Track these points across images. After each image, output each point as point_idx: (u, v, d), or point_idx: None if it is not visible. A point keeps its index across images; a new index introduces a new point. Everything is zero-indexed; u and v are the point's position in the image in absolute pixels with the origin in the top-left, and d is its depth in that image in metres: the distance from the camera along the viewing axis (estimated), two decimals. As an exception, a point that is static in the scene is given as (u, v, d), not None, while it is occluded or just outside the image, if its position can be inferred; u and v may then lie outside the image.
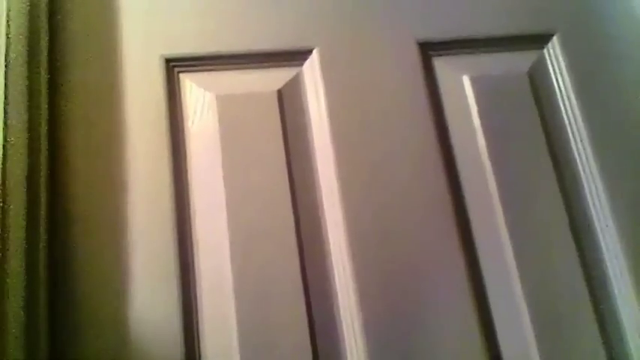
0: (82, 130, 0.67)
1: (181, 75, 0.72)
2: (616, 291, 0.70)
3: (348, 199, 0.68)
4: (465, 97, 0.76)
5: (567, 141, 0.77)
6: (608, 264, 0.72)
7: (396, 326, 0.64)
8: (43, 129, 0.62)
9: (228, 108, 0.71)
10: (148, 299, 0.61)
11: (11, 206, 0.53)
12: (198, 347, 0.61)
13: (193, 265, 0.64)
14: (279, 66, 0.74)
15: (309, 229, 0.68)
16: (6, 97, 0.52)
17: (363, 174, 0.70)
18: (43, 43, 0.66)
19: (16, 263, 0.52)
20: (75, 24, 0.71)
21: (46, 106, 0.64)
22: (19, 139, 0.57)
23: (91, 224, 0.63)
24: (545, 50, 0.81)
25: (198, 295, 0.63)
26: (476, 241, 0.70)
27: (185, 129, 0.70)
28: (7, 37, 0.55)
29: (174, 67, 0.72)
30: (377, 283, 0.66)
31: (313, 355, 0.62)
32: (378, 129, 0.72)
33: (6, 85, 0.54)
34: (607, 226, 0.73)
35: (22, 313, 0.51)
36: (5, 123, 0.53)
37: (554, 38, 0.80)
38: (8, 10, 0.56)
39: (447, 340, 0.65)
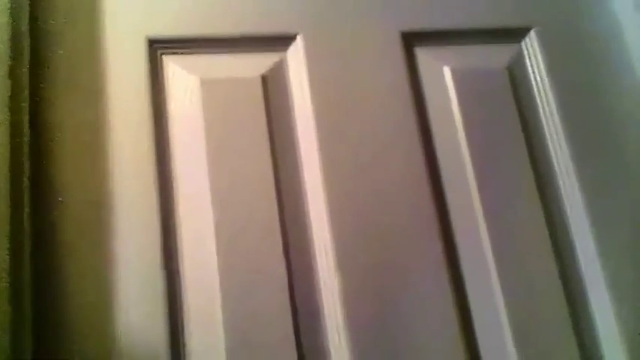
0: (64, 116, 0.65)
1: (164, 57, 0.71)
2: (591, 292, 0.72)
3: (331, 185, 0.69)
4: (445, 87, 0.78)
5: (543, 135, 0.79)
6: (583, 265, 0.74)
7: (379, 322, 0.66)
8: (25, 120, 0.60)
9: (212, 92, 0.70)
10: (133, 293, 0.61)
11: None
12: (184, 343, 0.61)
13: (177, 259, 0.64)
14: (263, 51, 0.74)
15: (293, 219, 0.68)
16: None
17: (345, 159, 0.71)
18: (24, 28, 0.63)
19: (0, 271, 0.52)
20: (57, 3, 0.69)
21: (28, 95, 0.62)
22: (1, 130, 0.55)
23: (74, 215, 0.62)
24: (522, 44, 0.83)
25: (183, 289, 0.63)
26: (455, 232, 0.72)
27: (168, 112, 0.69)
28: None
29: (158, 48, 0.71)
30: (360, 276, 0.67)
31: (298, 350, 0.63)
32: (361, 116, 0.73)
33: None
34: (582, 223, 0.74)
35: (7, 316, 0.51)
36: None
37: (532, 33, 0.82)
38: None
39: (428, 338, 0.66)
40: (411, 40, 0.79)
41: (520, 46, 0.83)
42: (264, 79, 0.72)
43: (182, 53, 0.71)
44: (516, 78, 0.81)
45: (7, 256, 0.53)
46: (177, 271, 0.64)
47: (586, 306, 0.72)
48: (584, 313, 0.72)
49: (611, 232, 0.75)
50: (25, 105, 0.61)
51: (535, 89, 0.81)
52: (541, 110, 0.80)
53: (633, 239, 0.75)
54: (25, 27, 0.63)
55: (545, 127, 0.79)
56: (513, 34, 0.83)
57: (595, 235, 0.74)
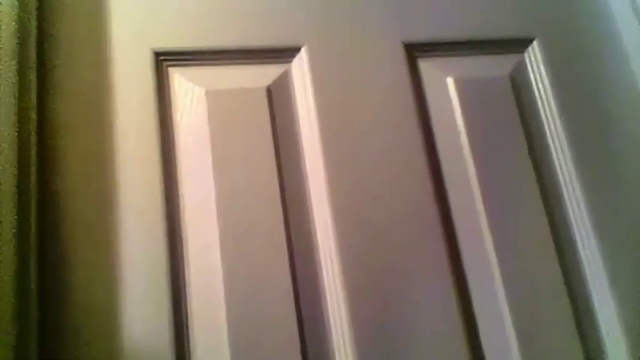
0: (70, 126, 0.66)
1: (170, 69, 0.72)
2: (593, 292, 0.73)
3: (335, 193, 0.70)
4: (448, 98, 0.79)
5: (546, 143, 0.80)
6: (586, 265, 0.74)
7: (383, 326, 0.66)
8: (33, 127, 0.61)
9: (217, 103, 0.71)
10: (138, 296, 0.61)
11: (2, 213, 0.52)
12: (188, 347, 0.62)
13: (183, 265, 0.64)
14: (268, 62, 0.75)
15: (298, 226, 0.69)
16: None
17: (350, 170, 0.71)
18: (32, 38, 0.64)
19: (6, 272, 0.52)
20: (64, 16, 0.70)
21: (35, 103, 0.63)
22: (9, 135, 0.56)
23: (81, 221, 0.63)
24: (525, 54, 0.84)
25: (188, 295, 0.63)
26: (459, 238, 0.72)
27: (174, 124, 0.70)
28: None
29: (164, 60, 0.72)
30: (364, 282, 0.67)
31: (302, 356, 0.63)
32: (365, 127, 0.74)
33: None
34: (584, 225, 0.76)
35: (13, 322, 0.51)
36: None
37: (535, 43, 0.83)
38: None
39: (432, 341, 0.66)
40: (414, 51, 0.79)
41: (523, 55, 0.84)
42: (269, 90, 0.73)
43: (188, 65, 0.72)
44: (519, 86, 0.82)
45: (14, 259, 0.53)
46: (183, 277, 0.64)
47: (589, 306, 0.73)
48: (587, 313, 0.72)
49: (612, 233, 0.76)
50: (33, 101, 0.62)
51: (537, 96, 0.82)
52: (543, 116, 0.81)
53: (635, 239, 0.76)
54: (32, 38, 0.64)
55: (548, 132, 0.80)
56: (516, 45, 0.84)
57: (597, 236, 0.75)
